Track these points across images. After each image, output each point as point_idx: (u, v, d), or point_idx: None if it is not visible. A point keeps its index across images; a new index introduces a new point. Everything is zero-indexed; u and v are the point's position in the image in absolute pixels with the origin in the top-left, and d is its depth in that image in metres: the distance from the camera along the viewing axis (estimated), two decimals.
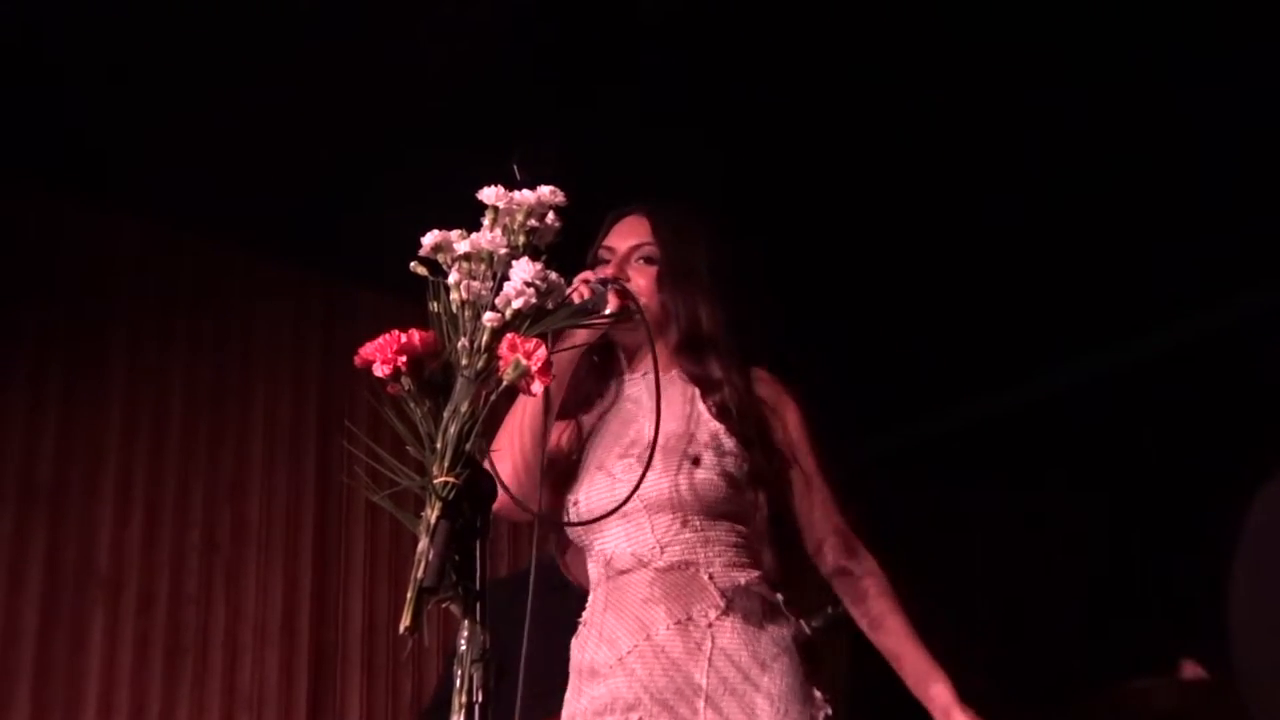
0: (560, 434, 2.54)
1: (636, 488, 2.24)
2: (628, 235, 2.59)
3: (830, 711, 2.27)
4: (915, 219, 4.91)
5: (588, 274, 2.41)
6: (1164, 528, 5.59)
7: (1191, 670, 3.84)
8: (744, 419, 2.46)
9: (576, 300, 2.28)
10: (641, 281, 2.53)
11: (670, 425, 2.41)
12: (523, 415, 2.40)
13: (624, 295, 2.41)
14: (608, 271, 2.51)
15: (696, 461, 2.38)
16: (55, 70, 4.00)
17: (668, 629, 2.27)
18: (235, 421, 4.94)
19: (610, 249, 2.59)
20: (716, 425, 2.44)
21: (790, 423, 2.52)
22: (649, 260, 2.57)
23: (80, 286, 4.68)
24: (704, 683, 2.21)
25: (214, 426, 4.88)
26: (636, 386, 2.55)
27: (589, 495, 2.44)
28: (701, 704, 2.19)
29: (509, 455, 2.37)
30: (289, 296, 5.16)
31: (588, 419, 2.55)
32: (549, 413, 2.39)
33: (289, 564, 4.92)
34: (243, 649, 4.74)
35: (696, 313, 2.54)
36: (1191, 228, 4.85)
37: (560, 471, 2.50)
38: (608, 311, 2.36)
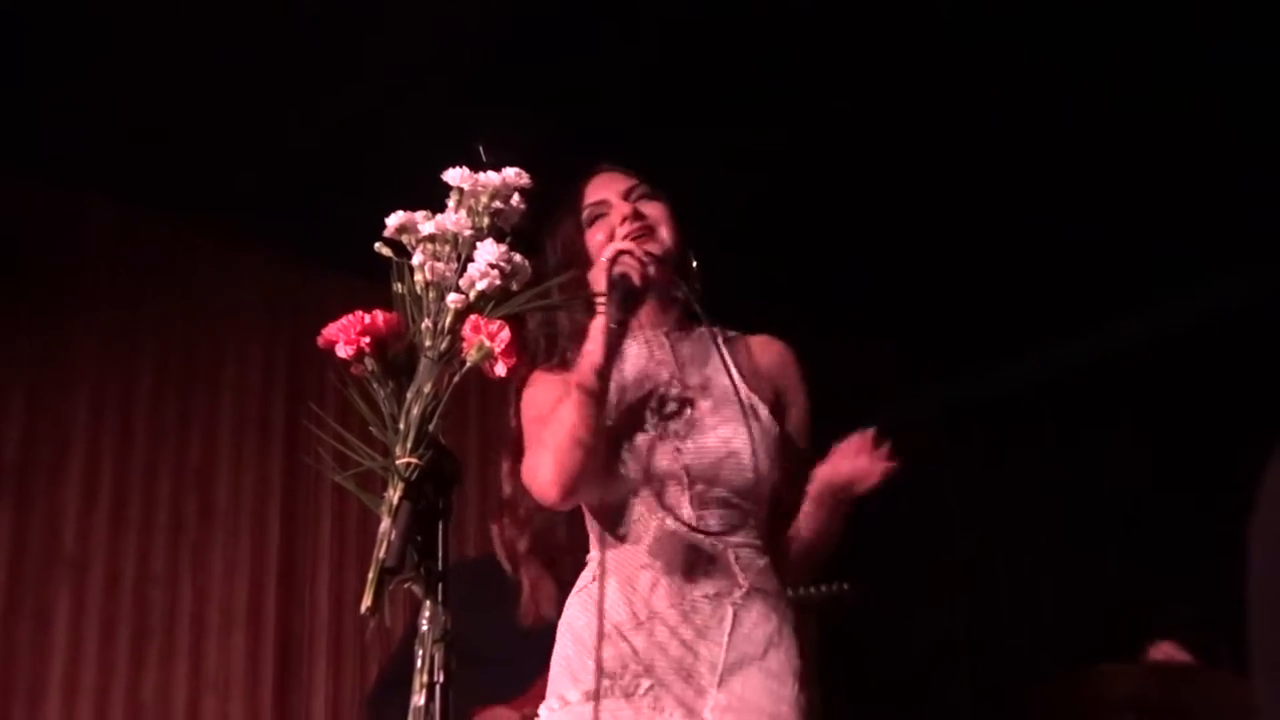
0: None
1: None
2: (612, 183, 2.49)
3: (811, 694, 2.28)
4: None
5: (627, 245, 2.32)
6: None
7: (1164, 652, 3.86)
8: (768, 386, 2.43)
9: (636, 280, 2.27)
10: (654, 212, 2.44)
11: (697, 385, 2.37)
12: (573, 408, 2.22)
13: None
14: (617, 220, 2.42)
15: (711, 425, 2.33)
16: (22, 50, 3.97)
17: (691, 601, 2.24)
18: (202, 404, 4.92)
19: (602, 201, 2.47)
20: (750, 393, 2.37)
21: (799, 401, 2.47)
22: (649, 196, 2.47)
23: (47, 268, 4.65)
24: (720, 659, 2.20)
25: (181, 409, 4.87)
26: (643, 340, 2.43)
27: (624, 462, 2.31)
28: (716, 680, 2.19)
29: (561, 452, 2.21)
30: (257, 279, 5.14)
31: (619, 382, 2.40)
32: (603, 397, 2.26)
33: (256, 546, 4.91)
34: (209, 631, 4.74)
35: (688, 259, 2.48)
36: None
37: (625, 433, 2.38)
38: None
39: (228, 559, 4.83)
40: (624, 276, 2.27)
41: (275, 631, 4.87)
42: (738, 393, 2.31)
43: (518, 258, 1.85)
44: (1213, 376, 5.38)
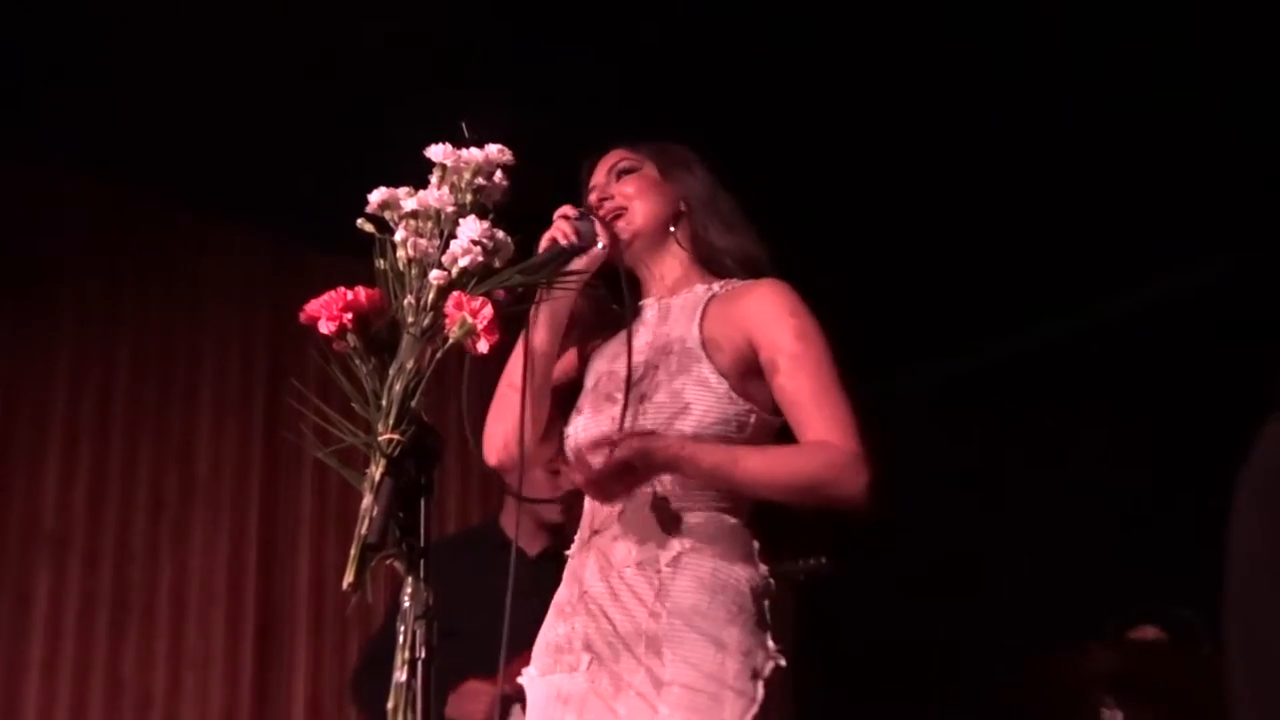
0: (568, 364, 2.47)
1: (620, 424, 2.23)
2: (605, 163, 2.51)
3: (783, 662, 2.20)
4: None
5: (566, 208, 2.32)
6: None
7: (1147, 633, 3.89)
8: (733, 333, 2.33)
9: (562, 241, 2.26)
10: (628, 189, 2.45)
11: (662, 347, 2.35)
12: (505, 373, 2.33)
13: (603, 221, 2.36)
14: (592, 199, 2.44)
15: (663, 382, 2.29)
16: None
17: (625, 570, 2.23)
18: (183, 380, 4.92)
19: (594, 185, 2.50)
20: (700, 347, 2.32)
21: (779, 334, 2.31)
22: (628, 170, 2.48)
23: (27, 244, 4.63)
24: (652, 628, 2.17)
25: (162, 385, 4.86)
26: (651, 309, 2.45)
27: (576, 427, 2.37)
28: (642, 649, 2.16)
29: (491, 415, 2.34)
30: (237, 254, 5.13)
31: (601, 346, 2.45)
32: (530, 366, 2.30)
33: (236, 523, 4.91)
34: (189, 607, 4.74)
35: (707, 197, 2.47)
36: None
37: (561, 401, 2.43)
38: (600, 245, 2.29)
39: (208, 535, 4.83)
40: (552, 241, 2.26)
41: (255, 608, 4.88)
42: (629, 371, 2.28)
43: (500, 234, 1.85)
44: (1187, 357, 5.41)
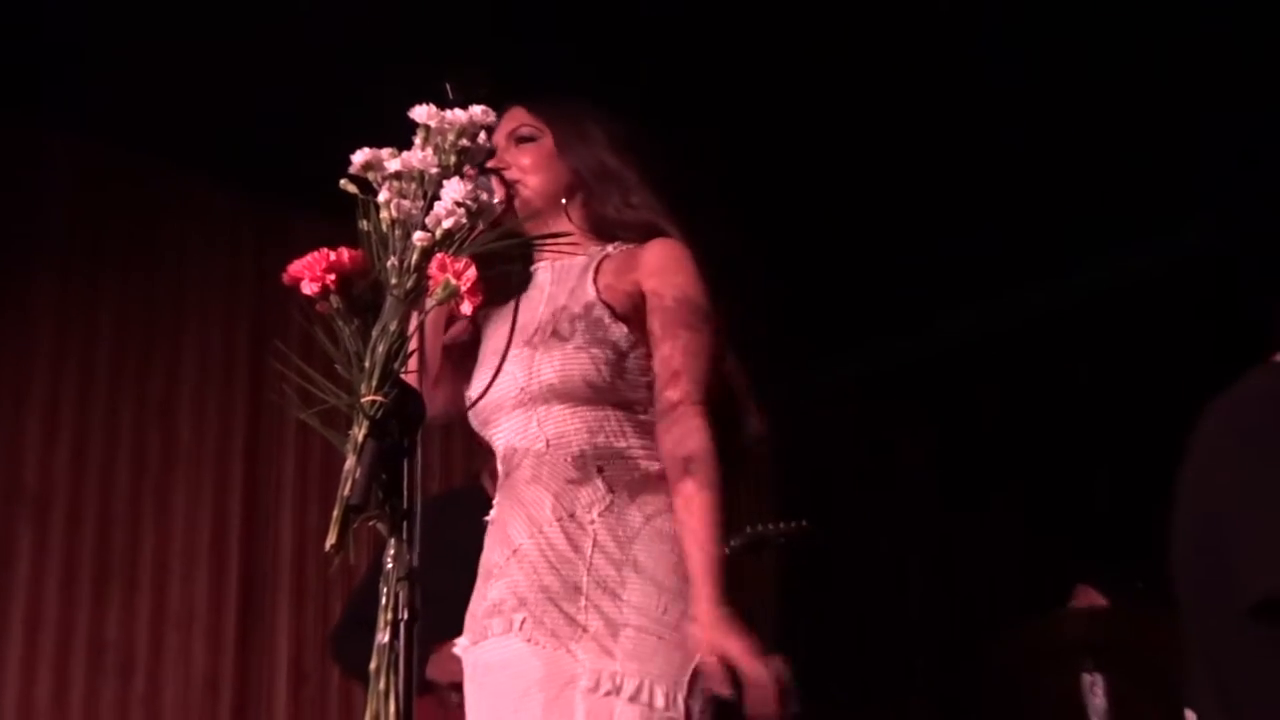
0: (463, 326, 2.46)
1: (489, 387, 2.19)
2: (505, 127, 2.48)
3: None
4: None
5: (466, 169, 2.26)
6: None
7: (1087, 597, 3.93)
8: (626, 285, 2.34)
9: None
10: (524, 160, 2.45)
11: (558, 306, 2.35)
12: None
13: (502, 180, 2.35)
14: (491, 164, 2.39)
15: (562, 338, 2.29)
16: None
17: (551, 525, 2.21)
18: (165, 342, 4.89)
19: (495, 146, 2.40)
20: (596, 301, 2.33)
21: (661, 287, 2.33)
22: (524, 139, 2.47)
23: (6, 207, 4.60)
24: (583, 582, 2.17)
25: (143, 347, 4.84)
26: (545, 271, 2.45)
27: (476, 388, 2.34)
28: (583, 602, 2.15)
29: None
30: (219, 215, 5.10)
31: (495, 310, 2.43)
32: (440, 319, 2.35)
33: (218, 486, 4.90)
34: (171, 569, 4.73)
35: (607, 176, 2.46)
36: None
37: (458, 363, 2.44)
38: (495, 201, 2.14)
39: (190, 496, 4.82)
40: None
41: (238, 568, 4.87)
42: (513, 325, 2.20)
43: (484, 196, 1.84)
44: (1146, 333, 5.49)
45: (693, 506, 2.21)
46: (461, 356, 2.46)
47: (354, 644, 4.05)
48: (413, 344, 1.83)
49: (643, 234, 2.43)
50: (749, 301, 2.56)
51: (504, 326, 2.30)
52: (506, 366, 2.21)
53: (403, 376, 1.79)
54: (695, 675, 2.13)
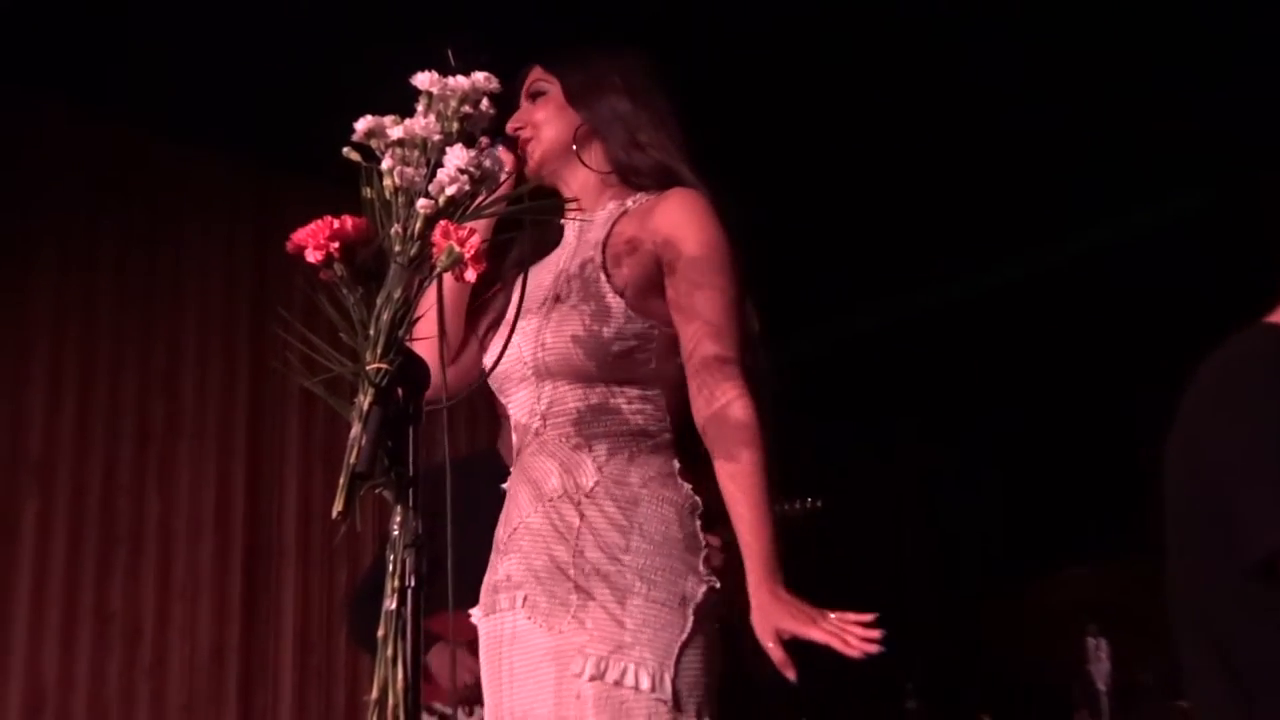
0: (495, 290, 2.45)
1: (499, 359, 2.15)
2: (525, 87, 2.47)
3: (717, 584, 2.17)
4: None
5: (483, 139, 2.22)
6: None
7: None
8: (637, 248, 2.28)
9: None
10: (537, 115, 2.43)
11: (565, 268, 2.32)
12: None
13: (509, 146, 2.33)
14: (510, 126, 2.40)
15: (560, 301, 2.25)
16: None
17: (550, 500, 2.21)
18: (167, 310, 4.90)
19: (517, 108, 2.46)
20: (595, 258, 2.29)
21: (680, 242, 2.26)
22: (536, 94, 2.46)
23: (7, 176, 4.59)
24: (571, 561, 2.16)
25: (145, 315, 4.84)
26: (571, 229, 2.43)
27: (492, 355, 2.27)
28: (571, 585, 2.15)
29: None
30: (222, 183, 5.10)
31: (520, 273, 2.39)
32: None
33: (222, 454, 4.91)
34: (176, 539, 4.74)
35: (618, 122, 2.42)
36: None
37: (485, 327, 2.43)
38: (504, 171, 2.09)
39: (194, 464, 4.83)
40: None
41: (243, 537, 4.89)
42: (522, 293, 2.19)
43: (487, 163, 1.84)
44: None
45: (740, 480, 2.14)
46: (493, 324, 2.44)
47: (363, 619, 4.11)
48: (431, 317, 1.82)
49: (657, 179, 2.38)
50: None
51: (530, 292, 2.29)
52: (515, 337, 2.18)
53: (417, 348, 1.79)
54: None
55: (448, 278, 1.82)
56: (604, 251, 2.30)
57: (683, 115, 2.44)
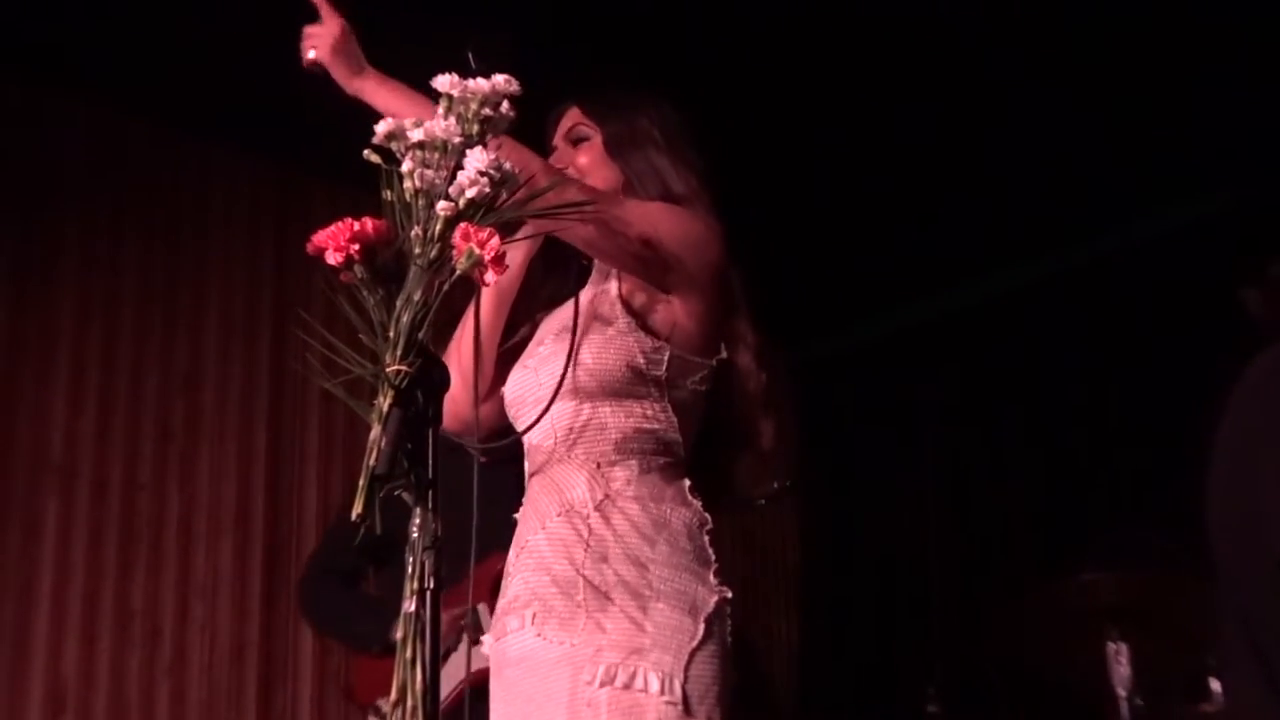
0: (521, 331, 2.51)
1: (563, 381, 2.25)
2: (563, 127, 2.54)
3: (729, 595, 2.23)
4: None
5: None
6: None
7: None
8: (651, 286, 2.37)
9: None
10: (580, 160, 2.48)
11: (594, 298, 2.40)
12: (469, 320, 2.33)
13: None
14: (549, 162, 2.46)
15: (580, 326, 2.33)
16: None
17: (554, 520, 2.26)
18: (188, 310, 4.91)
19: (553, 147, 2.53)
20: (611, 290, 2.39)
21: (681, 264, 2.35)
22: (579, 140, 2.52)
23: (31, 173, 4.62)
24: (593, 567, 2.20)
25: (167, 315, 4.86)
26: (598, 268, 2.49)
27: (509, 387, 2.42)
28: (580, 599, 2.19)
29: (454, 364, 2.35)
30: (243, 184, 5.11)
31: (550, 309, 2.51)
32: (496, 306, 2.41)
33: (243, 453, 4.92)
34: (197, 538, 4.76)
35: (654, 175, 2.47)
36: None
37: (509, 364, 2.48)
38: None
39: (215, 465, 4.85)
40: None
41: (263, 537, 4.90)
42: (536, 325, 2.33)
43: (507, 165, 1.84)
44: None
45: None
46: (506, 357, 2.51)
47: (316, 595, 4.11)
48: (468, 339, 1.82)
49: None
50: (753, 273, 2.56)
51: (546, 324, 2.42)
52: (530, 363, 2.32)
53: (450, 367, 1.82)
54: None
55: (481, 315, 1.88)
56: (620, 281, 2.39)
57: (708, 158, 2.52)
